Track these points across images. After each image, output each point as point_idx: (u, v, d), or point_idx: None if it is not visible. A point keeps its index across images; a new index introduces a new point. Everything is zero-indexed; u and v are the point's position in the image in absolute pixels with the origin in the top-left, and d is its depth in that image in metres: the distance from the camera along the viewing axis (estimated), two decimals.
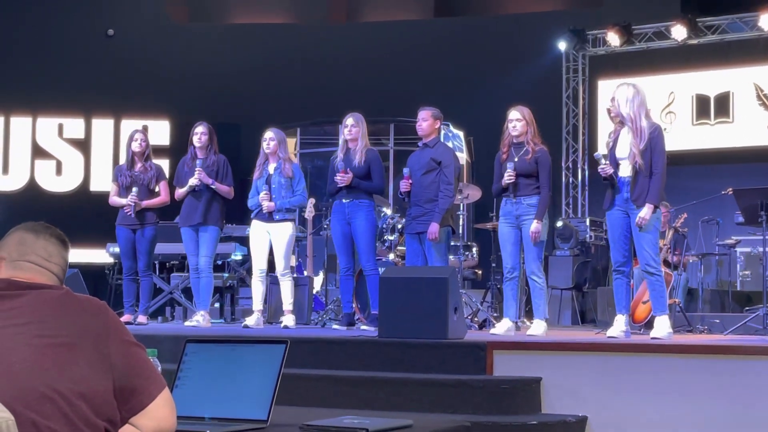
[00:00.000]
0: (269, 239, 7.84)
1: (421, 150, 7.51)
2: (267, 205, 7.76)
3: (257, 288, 7.85)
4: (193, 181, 7.89)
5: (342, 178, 7.49)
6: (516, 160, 6.84)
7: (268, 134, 7.92)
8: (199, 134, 8.01)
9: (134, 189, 8.04)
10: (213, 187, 7.92)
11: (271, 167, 7.90)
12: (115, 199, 8.21)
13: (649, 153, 6.19)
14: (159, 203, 8.21)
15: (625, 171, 6.31)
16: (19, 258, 2.43)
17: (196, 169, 7.88)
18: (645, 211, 6.14)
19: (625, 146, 6.30)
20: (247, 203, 8.07)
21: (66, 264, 2.52)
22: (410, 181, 7.37)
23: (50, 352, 2.22)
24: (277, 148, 7.87)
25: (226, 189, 8.02)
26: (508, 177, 6.80)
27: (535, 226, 6.71)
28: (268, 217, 7.80)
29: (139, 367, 2.37)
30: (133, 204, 8.00)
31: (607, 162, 6.39)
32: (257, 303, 7.83)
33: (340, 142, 7.79)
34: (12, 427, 1.95)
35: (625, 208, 6.30)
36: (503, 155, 6.96)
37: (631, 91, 6.31)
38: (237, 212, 10.42)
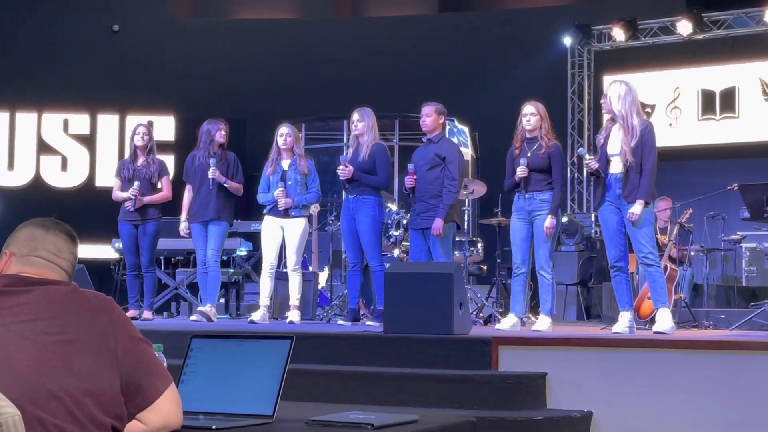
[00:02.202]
0: (282, 235, 7.83)
1: (425, 145, 7.49)
2: (285, 201, 7.75)
3: (265, 283, 7.84)
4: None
5: (342, 171, 7.48)
6: (529, 155, 6.81)
7: (284, 129, 7.89)
8: (223, 131, 8.00)
9: (135, 183, 8.02)
10: (226, 185, 7.92)
11: (285, 163, 7.86)
12: (117, 194, 8.19)
13: (639, 150, 6.20)
14: (161, 199, 8.17)
15: (616, 168, 6.32)
16: (30, 253, 2.44)
17: (211, 168, 7.87)
18: (636, 208, 6.16)
19: (617, 143, 6.32)
20: (257, 198, 8.01)
21: (75, 260, 2.53)
22: (415, 176, 7.36)
23: (57, 349, 2.22)
24: (293, 144, 7.86)
25: (236, 186, 8.01)
26: (522, 172, 6.77)
27: (549, 221, 6.69)
28: (284, 213, 7.79)
29: (146, 362, 2.38)
30: (133, 198, 7.99)
31: (592, 156, 6.42)
32: (264, 298, 7.82)
33: (350, 137, 7.77)
34: (18, 422, 1.96)
35: (617, 204, 6.31)
36: (516, 150, 6.91)
37: (623, 89, 6.33)
38: (243, 208, 10.41)
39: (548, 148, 6.80)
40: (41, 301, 2.29)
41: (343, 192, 7.85)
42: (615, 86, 6.39)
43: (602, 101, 6.59)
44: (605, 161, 6.37)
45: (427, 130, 7.43)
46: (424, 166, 7.34)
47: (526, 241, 6.84)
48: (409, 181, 7.38)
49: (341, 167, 7.49)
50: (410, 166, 7.42)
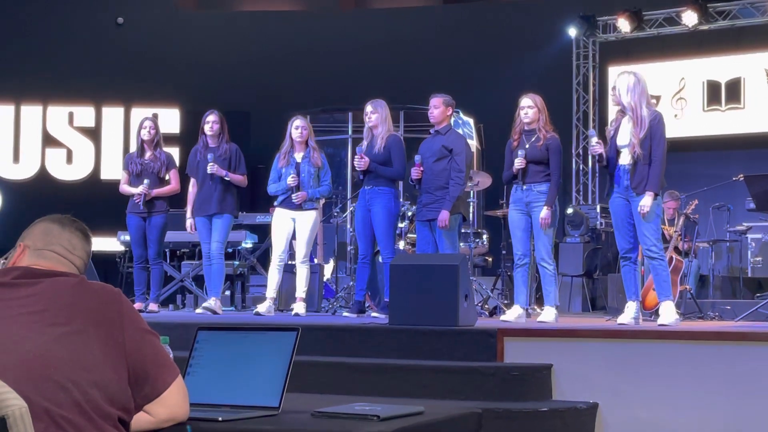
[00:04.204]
0: (293, 227, 7.84)
1: (432, 137, 7.51)
2: (300, 195, 7.75)
3: (273, 275, 7.83)
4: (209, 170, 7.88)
5: (358, 162, 7.48)
6: (527, 147, 6.83)
7: (299, 122, 7.89)
8: (211, 123, 8.00)
9: (145, 181, 8.04)
10: (227, 178, 7.91)
11: (298, 155, 7.87)
12: (125, 188, 8.22)
13: (648, 141, 6.19)
14: (169, 192, 8.20)
15: (625, 159, 6.32)
16: (44, 247, 2.46)
17: (209, 163, 7.87)
18: (646, 200, 6.16)
19: (626, 135, 6.31)
20: (267, 189, 7.99)
21: (88, 257, 2.56)
22: (421, 168, 7.37)
23: (65, 340, 2.23)
24: (307, 137, 7.88)
25: (239, 178, 8.01)
26: (519, 164, 6.80)
27: (545, 212, 6.71)
28: (297, 206, 7.80)
29: (153, 354, 2.39)
30: (142, 195, 8.01)
31: (599, 141, 6.41)
32: (271, 290, 7.82)
33: (365, 129, 7.77)
34: (25, 414, 1.96)
35: (626, 195, 6.32)
36: (514, 142, 6.95)
37: (632, 80, 6.31)
38: (248, 200, 10.42)
39: (546, 140, 6.82)
40: (49, 293, 2.30)
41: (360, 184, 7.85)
42: (624, 77, 6.37)
43: (611, 93, 6.58)
44: (614, 152, 6.36)
45: (435, 121, 7.45)
46: (431, 158, 7.35)
47: (526, 233, 6.86)
48: (415, 172, 7.39)
49: (357, 158, 7.49)
50: (417, 158, 7.43)
